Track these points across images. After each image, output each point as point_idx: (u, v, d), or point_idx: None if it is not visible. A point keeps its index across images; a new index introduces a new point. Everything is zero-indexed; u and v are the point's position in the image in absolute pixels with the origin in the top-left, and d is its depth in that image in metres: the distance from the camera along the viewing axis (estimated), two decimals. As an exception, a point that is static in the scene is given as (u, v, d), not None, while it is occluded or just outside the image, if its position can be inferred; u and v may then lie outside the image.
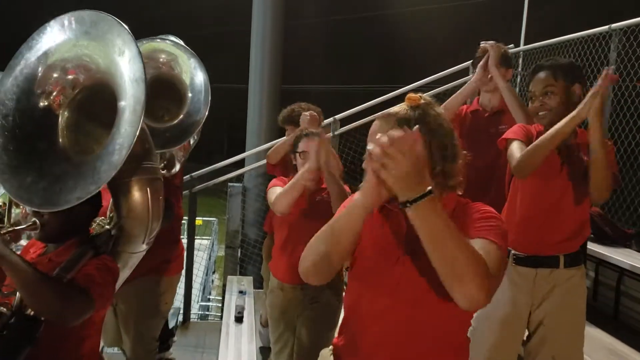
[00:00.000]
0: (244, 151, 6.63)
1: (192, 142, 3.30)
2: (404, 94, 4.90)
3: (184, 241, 5.63)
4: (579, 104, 2.38)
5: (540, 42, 5.22)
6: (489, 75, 3.26)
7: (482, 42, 3.39)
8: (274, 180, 3.21)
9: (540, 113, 2.58)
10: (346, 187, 2.93)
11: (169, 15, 30.79)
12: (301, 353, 3.04)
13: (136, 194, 1.97)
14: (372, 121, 1.72)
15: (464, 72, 5.42)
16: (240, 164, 6.50)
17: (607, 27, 4.23)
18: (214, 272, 11.23)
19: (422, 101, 1.63)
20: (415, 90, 5.50)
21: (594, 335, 3.54)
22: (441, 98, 4.35)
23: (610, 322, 3.75)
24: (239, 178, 6.48)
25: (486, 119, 3.41)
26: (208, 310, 8.88)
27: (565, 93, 2.54)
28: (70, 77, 1.93)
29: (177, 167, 3.23)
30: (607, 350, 3.33)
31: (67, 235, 1.98)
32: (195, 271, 5.99)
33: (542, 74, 2.58)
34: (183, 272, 5.41)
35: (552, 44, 5.04)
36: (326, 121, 5.27)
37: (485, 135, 3.33)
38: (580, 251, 2.58)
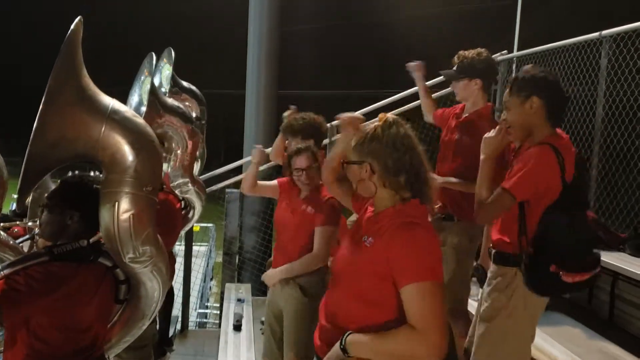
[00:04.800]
0: (241, 156, 6.66)
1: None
2: (401, 99, 4.98)
3: (182, 248, 5.66)
4: (535, 118, 2.51)
5: (533, 48, 5.27)
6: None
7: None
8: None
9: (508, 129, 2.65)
10: None
11: (167, 22, 30.82)
12: None
13: (108, 206, 1.94)
14: None
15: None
16: (238, 169, 6.54)
17: (597, 33, 4.28)
18: (211, 279, 11.22)
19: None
20: (411, 96, 5.52)
21: (589, 338, 3.57)
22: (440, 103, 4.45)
23: (605, 325, 3.78)
24: (237, 184, 6.50)
25: (458, 124, 3.53)
26: (206, 317, 8.87)
27: (520, 108, 2.55)
28: None
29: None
30: (602, 354, 3.36)
31: (58, 237, 2.05)
32: (192, 279, 6.00)
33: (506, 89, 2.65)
34: (178, 279, 5.43)
35: (544, 50, 5.08)
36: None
37: (451, 141, 3.54)
38: (514, 253, 2.56)
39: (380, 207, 1.97)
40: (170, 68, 3.39)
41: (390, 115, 2.01)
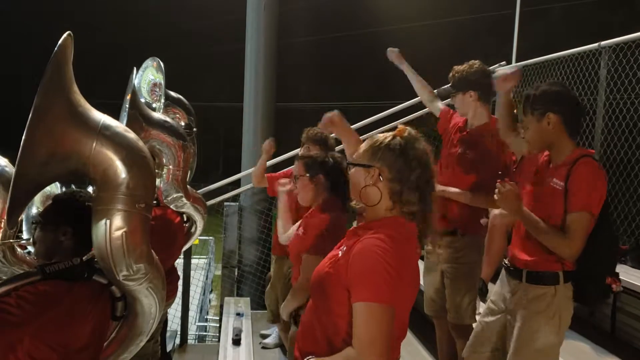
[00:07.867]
0: (239, 170, 6.64)
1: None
2: (400, 111, 4.96)
3: (181, 262, 5.63)
4: (554, 133, 2.48)
5: (532, 59, 5.27)
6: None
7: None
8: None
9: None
10: None
11: (166, 35, 30.99)
12: None
13: (100, 224, 1.89)
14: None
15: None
16: (237, 183, 6.52)
17: (596, 44, 4.28)
18: (211, 292, 11.17)
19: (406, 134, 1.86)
20: (411, 107, 5.47)
21: (592, 352, 3.54)
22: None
23: (608, 339, 3.75)
24: (235, 197, 6.49)
25: (460, 138, 3.47)
26: (206, 330, 8.81)
27: (537, 125, 2.51)
28: None
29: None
30: (604, 367, 3.33)
31: (52, 254, 2.01)
32: (192, 293, 5.96)
33: (522, 106, 2.59)
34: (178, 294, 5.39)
35: (543, 61, 5.08)
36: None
37: (452, 155, 3.47)
38: (548, 272, 2.52)
39: (370, 217, 1.85)
40: (158, 75, 3.33)
41: (410, 128, 1.90)
